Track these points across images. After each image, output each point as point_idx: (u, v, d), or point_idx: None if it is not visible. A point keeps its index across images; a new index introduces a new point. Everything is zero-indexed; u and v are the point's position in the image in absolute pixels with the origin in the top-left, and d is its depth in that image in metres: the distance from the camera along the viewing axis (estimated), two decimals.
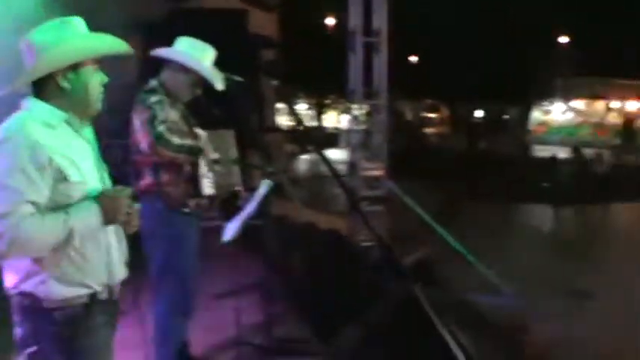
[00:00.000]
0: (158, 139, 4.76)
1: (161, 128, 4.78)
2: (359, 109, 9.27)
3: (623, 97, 45.09)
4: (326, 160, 4.12)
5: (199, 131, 5.18)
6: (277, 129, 13.48)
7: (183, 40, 5.11)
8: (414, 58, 51.25)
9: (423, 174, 22.31)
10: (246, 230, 5.26)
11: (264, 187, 5.21)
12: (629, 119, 42.98)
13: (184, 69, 5.03)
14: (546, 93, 46.46)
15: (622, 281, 11.54)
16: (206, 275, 5.49)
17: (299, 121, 6.85)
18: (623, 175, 24.14)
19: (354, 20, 9.12)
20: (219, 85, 5.06)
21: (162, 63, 5.10)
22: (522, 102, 47.45)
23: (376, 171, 8.97)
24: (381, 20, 9.19)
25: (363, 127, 9.65)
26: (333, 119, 49.78)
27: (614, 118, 44.97)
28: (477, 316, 8.74)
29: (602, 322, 9.36)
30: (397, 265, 4.73)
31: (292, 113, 12.04)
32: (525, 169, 24.55)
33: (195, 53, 5.05)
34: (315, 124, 49.96)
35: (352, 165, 9.00)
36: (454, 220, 14.87)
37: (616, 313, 9.81)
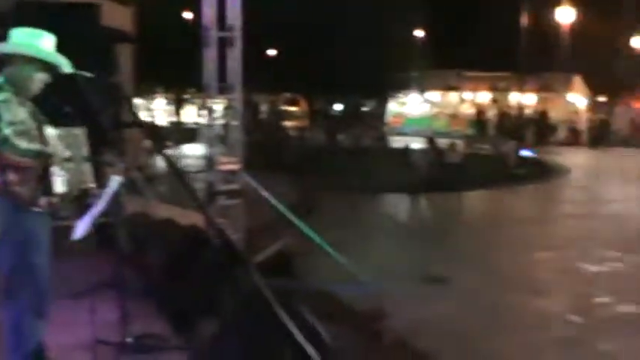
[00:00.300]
0: (3, 142, 4.65)
1: (7, 131, 4.65)
2: (215, 104, 9.27)
3: (474, 89, 46.79)
4: (168, 159, 4.13)
5: (49, 130, 5.08)
6: (132, 125, 13.24)
7: (18, 31, 5.01)
8: (273, 52, 51.48)
9: (282, 167, 22.52)
10: (100, 228, 5.21)
11: (113, 184, 5.17)
12: (480, 110, 44.61)
13: (27, 59, 4.93)
14: (402, 85, 47.66)
15: (476, 265, 12.02)
16: (60, 274, 5.40)
17: (135, 117, 6.77)
18: (476, 164, 25.08)
19: (208, 15, 9.10)
20: (67, 68, 4.98)
21: (4, 59, 4.98)
22: (379, 95, 48.47)
23: (232, 165, 9.01)
24: (235, 15, 9.21)
25: (220, 121, 9.67)
26: (193, 114, 49.31)
27: (466, 109, 46.54)
28: (337, 305, 8.91)
29: (458, 304, 9.74)
30: (238, 257, 4.79)
31: (129, 109, 11.75)
32: (382, 159, 25.10)
33: (33, 40, 4.95)
34: (174, 119, 49.50)
35: (209, 159, 9.00)
36: (312, 211, 15.08)
37: (471, 296, 10.22)
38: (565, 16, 41.78)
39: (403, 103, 48.49)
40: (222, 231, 6.38)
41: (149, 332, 5.99)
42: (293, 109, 48.45)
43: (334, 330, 7.21)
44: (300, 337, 3.12)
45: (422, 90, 47.82)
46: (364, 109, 53.77)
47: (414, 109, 48.06)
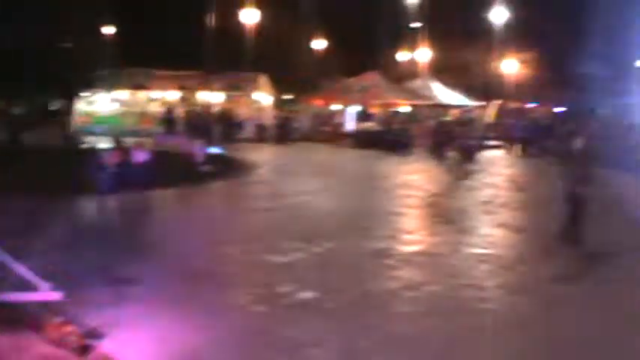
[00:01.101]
0: None
1: None
2: None
3: (163, 87, 47.12)
4: None
5: None
6: None
7: None
8: None
9: None
10: None
11: None
12: (169, 108, 44.96)
13: None
14: (90, 84, 46.75)
15: (165, 262, 12.13)
16: None
17: None
18: (164, 162, 25.16)
19: None
20: None
21: None
22: (66, 94, 47.09)
23: None
24: None
25: None
26: None
27: (155, 108, 46.70)
28: (17, 314, 8.64)
29: (147, 304, 9.79)
30: None
31: None
32: (69, 160, 24.39)
33: None
34: None
35: None
36: None
37: (160, 293, 10.32)
38: (249, 17, 43.27)
39: (92, 102, 47.54)
40: None
41: None
42: None
43: (15, 339, 7.02)
44: None
45: (110, 88, 47.22)
46: (52, 108, 51.97)
47: (102, 108, 47.33)
